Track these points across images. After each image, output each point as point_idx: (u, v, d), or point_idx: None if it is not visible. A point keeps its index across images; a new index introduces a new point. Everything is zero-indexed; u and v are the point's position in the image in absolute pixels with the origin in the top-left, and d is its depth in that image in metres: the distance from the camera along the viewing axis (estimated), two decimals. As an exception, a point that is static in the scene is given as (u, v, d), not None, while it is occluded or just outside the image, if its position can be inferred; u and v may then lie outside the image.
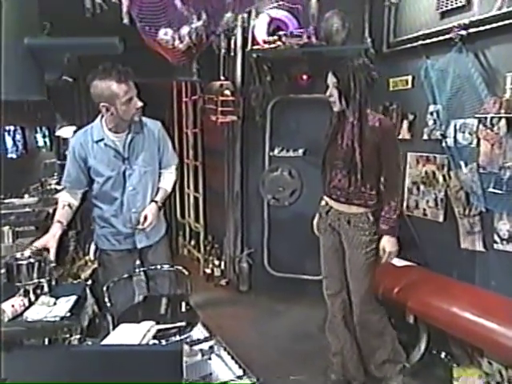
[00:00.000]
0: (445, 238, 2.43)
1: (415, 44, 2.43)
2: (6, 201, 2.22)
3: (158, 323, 1.74)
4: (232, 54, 2.86)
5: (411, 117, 2.58)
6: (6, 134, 2.66)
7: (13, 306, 1.51)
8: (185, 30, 1.94)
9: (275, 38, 2.81)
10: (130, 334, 1.26)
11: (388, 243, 1.90)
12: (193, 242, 4.17)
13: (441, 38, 2.27)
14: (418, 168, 2.57)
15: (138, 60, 3.17)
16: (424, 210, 2.55)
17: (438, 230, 2.47)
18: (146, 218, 1.98)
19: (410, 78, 2.56)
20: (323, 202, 2.11)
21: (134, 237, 2.07)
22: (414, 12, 2.50)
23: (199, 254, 3.96)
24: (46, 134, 3.24)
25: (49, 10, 2.40)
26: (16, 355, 0.93)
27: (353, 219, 1.96)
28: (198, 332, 2.73)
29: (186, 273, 2.12)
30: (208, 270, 3.72)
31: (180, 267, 2.16)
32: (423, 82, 2.42)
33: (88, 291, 2.37)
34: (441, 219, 2.44)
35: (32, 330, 1.13)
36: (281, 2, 2.86)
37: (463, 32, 2.12)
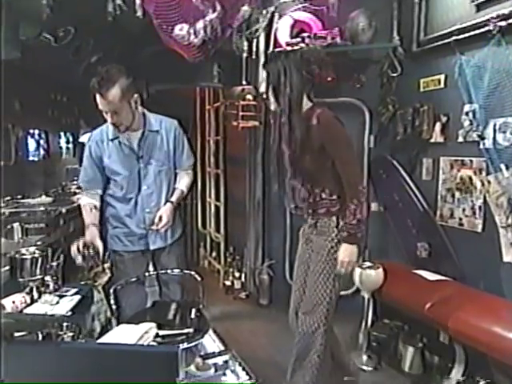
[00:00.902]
0: (484, 250, 2.20)
1: (448, 40, 2.29)
2: (22, 200, 2.24)
3: (164, 328, 1.67)
4: (254, 57, 2.80)
5: (444, 118, 2.41)
6: (30, 136, 2.71)
7: (13, 302, 1.47)
8: (200, 24, 1.91)
9: (298, 40, 2.74)
10: (127, 334, 1.20)
11: (344, 252, 1.68)
12: (214, 254, 4.08)
13: (477, 31, 2.12)
14: (452, 173, 2.38)
15: (162, 66, 3.22)
16: (460, 219, 2.34)
17: (477, 242, 2.25)
18: (160, 218, 1.94)
19: (442, 77, 2.41)
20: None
21: (147, 238, 2.02)
22: (446, 6, 2.37)
23: (219, 265, 3.86)
24: (70, 139, 3.30)
25: (72, 16, 2.48)
26: (5, 349, 0.88)
27: (319, 224, 1.77)
28: (214, 345, 2.60)
29: (199, 278, 2.04)
30: (228, 283, 3.62)
31: (193, 272, 2.07)
32: (457, 81, 2.26)
33: (96, 293, 2.31)
34: (479, 229, 2.23)
35: (21, 323, 1.07)
36: (305, 4, 2.82)
37: (502, 23, 1.96)
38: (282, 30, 2.85)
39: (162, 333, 1.65)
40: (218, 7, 1.87)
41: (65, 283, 1.72)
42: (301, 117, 1.67)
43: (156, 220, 1.94)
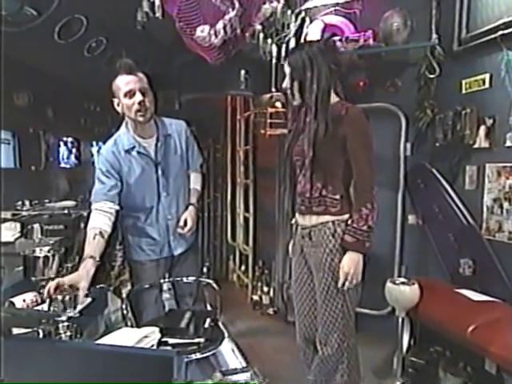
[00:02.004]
0: (539, 269, 1.96)
1: (493, 36, 2.11)
2: (48, 204, 2.31)
3: (175, 337, 1.61)
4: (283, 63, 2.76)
5: (489, 121, 2.21)
6: (62, 143, 2.82)
7: (24, 300, 1.48)
8: (220, 24, 1.90)
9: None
10: (126, 337, 1.15)
11: (349, 261, 1.54)
12: (243, 267, 4.01)
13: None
14: (499, 181, 2.16)
15: (191, 75, 3.27)
16: (509, 232, 2.11)
17: (530, 258, 2.01)
18: (185, 222, 1.92)
19: (487, 76, 2.23)
20: (293, 220, 1.81)
21: (170, 244, 1.99)
22: (491, 0, 2.20)
23: (248, 279, 3.77)
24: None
25: (103, 25, 2.58)
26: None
27: (314, 233, 1.63)
28: (236, 361, 2.50)
29: (216, 288, 1.97)
30: (256, 297, 3.52)
31: (210, 281, 2.01)
32: (504, 79, 2.08)
33: (118, 300, 2.29)
34: (532, 244, 1.99)
35: (17, 318, 1.05)
36: (336, 8, 2.75)
37: (554, 13, 1.78)
38: (312, 35, 2.79)
39: (172, 341, 1.59)
40: (237, 5, 1.85)
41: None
42: (327, 111, 1.58)
43: (181, 224, 1.92)
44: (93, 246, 1.66)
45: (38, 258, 1.50)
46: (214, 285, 1.99)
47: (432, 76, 2.51)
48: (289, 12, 2.20)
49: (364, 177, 1.59)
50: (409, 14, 2.48)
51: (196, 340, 1.60)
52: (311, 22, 2.81)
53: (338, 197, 1.60)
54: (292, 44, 2.91)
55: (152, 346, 1.27)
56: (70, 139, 2.92)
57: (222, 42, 1.95)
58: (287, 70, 1.65)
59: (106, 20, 2.39)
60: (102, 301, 1.73)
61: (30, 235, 1.82)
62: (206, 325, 1.75)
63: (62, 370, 0.88)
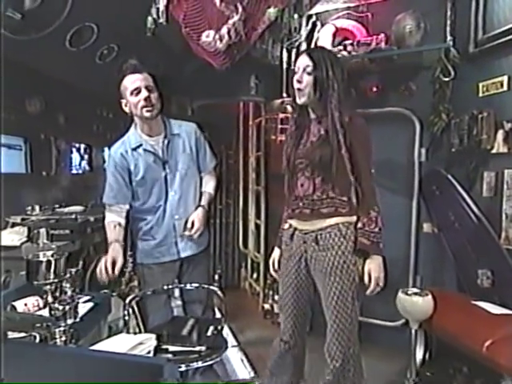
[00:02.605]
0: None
1: (511, 37, 2.05)
2: (58, 209, 2.35)
3: (176, 344, 1.60)
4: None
5: (508, 125, 2.13)
6: (74, 150, 2.87)
7: (26, 304, 1.49)
8: (224, 29, 1.90)
9: (340, 48, 2.65)
10: (120, 343, 1.15)
11: (375, 265, 1.54)
12: (254, 275, 3.97)
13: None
14: (519, 188, 2.07)
15: (202, 81, 3.30)
16: (530, 242, 2.02)
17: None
18: (193, 223, 1.93)
19: (504, 78, 2.15)
20: (286, 225, 1.78)
21: (177, 246, 2.00)
22: (508, 0, 2.13)
23: (259, 287, 3.73)
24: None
25: (114, 33, 2.63)
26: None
27: (321, 237, 1.61)
28: (245, 372, 2.46)
29: (221, 295, 1.96)
30: (267, 306, 3.47)
31: (215, 288, 2.00)
32: (523, 81, 2.00)
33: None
34: (555, 254, 1.89)
35: (11, 322, 1.06)
36: (348, 12, 2.73)
37: None
38: (324, 39, 2.78)
39: (172, 349, 1.59)
40: (240, 9, 1.85)
41: (84, 290, 1.73)
42: (340, 114, 1.61)
43: (188, 225, 1.93)
44: (116, 233, 1.87)
45: (41, 262, 1.51)
46: (219, 292, 1.98)
47: (447, 79, 2.44)
48: (295, 16, 2.18)
49: (369, 181, 1.65)
50: (422, 16, 2.43)
51: (197, 348, 1.59)
52: (322, 26, 2.80)
53: (345, 198, 1.62)
54: (303, 48, 2.90)
55: (149, 352, 1.26)
56: (82, 145, 2.98)
57: (226, 47, 1.95)
58: (305, 62, 1.62)
59: (117, 27, 2.44)
60: (105, 306, 1.75)
61: (36, 240, 1.86)
62: (209, 333, 1.74)
63: (54, 373, 0.89)
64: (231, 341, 3.00)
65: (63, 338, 1.17)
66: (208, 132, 4.05)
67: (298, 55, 2.66)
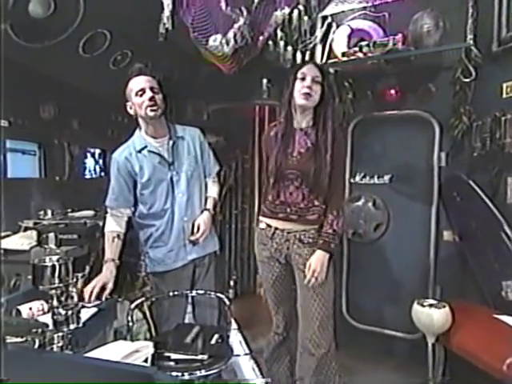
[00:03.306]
0: None
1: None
2: (71, 214, 2.41)
3: (178, 352, 1.60)
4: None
5: (533, 128, 2.04)
6: (89, 154, 2.95)
7: (30, 308, 1.53)
8: (230, 33, 1.92)
9: (355, 49, 2.61)
10: (115, 351, 1.16)
11: (317, 259, 1.78)
12: (270, 282, 3.95)
13: None
14: (545, 195, 1.98)
15: (216, 85, 3.32)
16: (557, 252, 1.92)
17: None
18: (198, 227, 1.96)
19: (529, 78, 2.07)
20: (262, 225, 1.93)
21: (185, 248, 2.02)
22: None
23: (274, 294, 3.71)
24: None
25: (127, 39, 2.69)
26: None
27: (305, 236, 1.84)
28: (256, 381, 2.46)
29: (227, 302, 1.95)
30: (281, 314, 3.44)
31: (222, 296, 2.00)
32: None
33: (138, 312, 2.32)
34: None
35: (7, 326, 1.09)
36: (364, 12, 2.69)
37: None
38: (338, 41, 2.75)
39: (174, 356, 1.59)
40: (245, 13, 1.86)
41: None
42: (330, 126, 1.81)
43: (195, 229, 1.97)
44: (112, 249, 1.91)
45: (46, 267, 1.55)
46: (226, 300, 1.97)
47: (468, 80, 2.37)
48: (306, 18, 2.16)
49: (339, 186, 1.88)
50: (441, 14, 2.36)
51: (199, 357, 1.59)
52: (338, 27, 2.77)
53: (324, 206, 1.84)
54: (318, 50, 2.88)
55: (145, 360, 1.27)
56: (97, 150, 3.05)
57: (233, 51, 1.96)
58: (314, 72, 1.78)
59: (130, 33, 2.49)
60: (110, 312, 1.77)
61: (45, 244, 1.91)
62: (213, 341, 1.73)
63: (42, 378, 0.91)
64: (244, 349, 2.99)
65: (60, 344, 1.19)
66: (223, 136, 4.10)
67: (302, 62, 2.73)
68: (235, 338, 3.14)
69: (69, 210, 2.49)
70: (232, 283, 4.05)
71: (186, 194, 1.97)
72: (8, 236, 2.03)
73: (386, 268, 2.70)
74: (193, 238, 1.97)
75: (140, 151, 1.94)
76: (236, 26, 1.88)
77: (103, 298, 1.77)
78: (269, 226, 1.91)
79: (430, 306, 1.98)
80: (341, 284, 2.90)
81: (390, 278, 2.68)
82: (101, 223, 2.23)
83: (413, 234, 2.62)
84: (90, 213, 2.46)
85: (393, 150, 2.68)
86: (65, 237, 1.99)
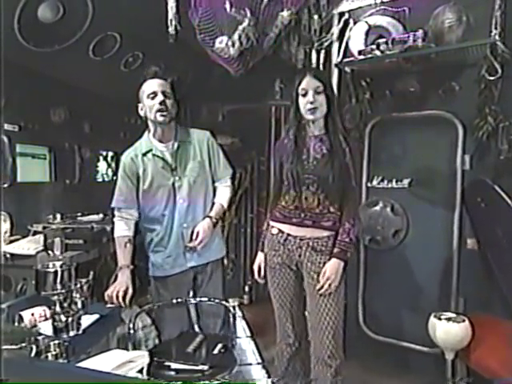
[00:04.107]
0: None
1: None
2: (80, 218, 2.47)
3: (178, 362, 1.61)
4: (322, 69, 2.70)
5: None
6: (102, 158, 3.01)
7: (32, 314, 1.57)
8: (235, 35, 1.92)
9: (372, 47, 2.55)
10: (109, 360, 1.18)
11: (330, 266, 1.81)
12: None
13: None
14: None
15: (230, 86, 3.33)
16: None
17: None
18: (197, 234, 1.96)
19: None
20: (274, 230, 1.94)
21: (185, 256, 2.04)
22: None
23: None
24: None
25: (138, 41, 2.73)
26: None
27: (318, 244, 1.86)
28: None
29: (233, 311, 1.95)
30: (297, 321, 3.41)
31: (227, 304, 2.00)
32: None
33: (146, 318, 2.36)
34: None
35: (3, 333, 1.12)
36: (383, 7, 2.63)
37: None
38: (355, 38, 2.69)
39: (174, 366, 1.60)
40: (248, 14, 1.85)
41: (92, 301, 1.79)
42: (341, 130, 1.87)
43: (194, 236, 1.97)
44: (125, 255, 1.96)
45: (49, 272, 1.59)
46: (231, 308, 1.97)
47: (493, 78, 2.27)
48: (316, 17, 2.12)
49: (354, 194, 1.90)
50: (464, 8, 2.28)
51: (199, 367, 1.59)
52: (355, 24, 2.72)
53: (339, 213, 1.87)
54: (335, 49, 2.84)
55: (141, 370, 1.28)
56: (110, 153, 3.11)
57: (239, 53, 1.96)
58: (314, 84, 1.82)
59: (141, 35, 2.53)
60: (113, 318, 1.80)
61: (51, 249, 1.97)
62: (216, 351, 1.73)
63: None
64: (256, 358, 2.98)
65: (56, 352, 1.21)
66: (239, 138, 4.10)
67: (327, 56, 2.69)
68: (248, 346, 3.14)
69: (78, 214, 2.56)
70: (247, 289, 4.05)
71: (187, 200, 1.99)
72: (17, 240, 2.11)
73: (404, 277, 2.63)
74: (190, 244, 1.98)
75: (145, 154, 1.99)
76: (240, 27, 1.88)
77: (127, 302, 1.86)
78: (281, 231, 1.93)
79: (448, 319, 1.91)
80: (357, 292, 2.85)
81: (410, 288, 2.61)
82: (108, 228, 2.28)
83: (434, 242, 2.54)
84: (98, 217, 2.52)
85: (412, 152, 2.60)
86: (71, 242, 2.04)
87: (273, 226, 1.95)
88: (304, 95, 1.81)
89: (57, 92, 2.57)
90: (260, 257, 2.02)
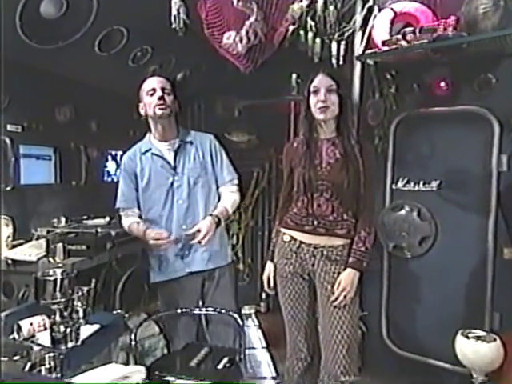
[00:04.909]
0: None
1: None
2: (85, 221, 2.53)
3: (181, 377, 1.63)
4: (342, 63, 2.66)
5: None
6: (110, 158, 3.07)
7: (31, 324, 1.62)
8: (243, 30, 1.93)
9: (398, 37, 2.49)
10: (103, 375, 1.21)
11: (344, 277, 1.84)
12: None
13: None
14: None
15: (247, 80, 3.34)
16: None
17: None
18: (199, 230, 1.98)
19: None
20: (286, 237, 1.96)
21: (183, 259, 2.08)
22: None
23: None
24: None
25: (146, 35, 2.76)
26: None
27: (332, 253, 1.88)
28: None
29: (240, 322, 1.96)
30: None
31: (235, 315, 2.01)
32: None
33: (154, 326, 2.39)
34: None
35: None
36: (411, -9, 2.57)
37: None
38: (379, 27, 2.64)
39: (175, 381, 1.62)
40: (255, 9, 1.85)
41: (94, 310, 1.84)
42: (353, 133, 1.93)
43: (194, 230, 1.97)
44: (141, 225, 2.03)
45: (49, 280, 1.63)
46: (239, 320, 1.98)
47: (533, 70, 2.19)
48: (331, 8, 2.09)
49: (370, 201, 1.93)
50: (502, -8, 2.20)
51: (199, 382, 1.60)
52: (380, 11, 2.67)
53: (354, 220, 1.90)
54: (357, 39, 2.79)
55: (138, 385, 1.30)
56: (119, 152, 3.16)
57: (247, 50, 1.97)
58: (327, 82, 1.82)
59: (148, 29, 2.56)
60: (115, 328, 1.83)
61: (53, 255, 2.03)
62: (221, 365, 1.75)
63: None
64: (271, 371, 2.98)
65: (51, 365, 1.25)
66: (256, 134, 4.09)
67: (347, 47, 2.66)
68: (263, 358, 3.15)
69: (84, 217, 2.62)
70: (264, 296, 4.05)
71: (186, 201, 2.04)
72: (20, 245, 2.19)
73: (433, 288, 2.58)
74: (193, 241, 1.98)
75: (144, 153, 2.07)
76: (247, 22, 1.88)
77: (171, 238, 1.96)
78: (293, 239, 1.95)
79: (477, 338, 1.85)
80: (380, 303, 2.82)
81: (438, 300, 2.55)
82: (113, 232, 2.33)
83: (465, 251, 2.48)
84: (103, 221, 2.57)
85: (442, 151, 2.55)
86: (74, 247, 2.10)
87: (284, 233, 1.97)
88: (315, 92, 1.82)
89: (62, 90, 2.64)
90: (270, 266, 2.03)
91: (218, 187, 2.13)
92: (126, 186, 2.09)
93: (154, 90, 2.01)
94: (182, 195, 2.04)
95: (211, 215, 2.03)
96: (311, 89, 1.83)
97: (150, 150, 2.07)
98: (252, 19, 1.87)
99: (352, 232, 1.89)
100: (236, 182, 2.18)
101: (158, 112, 1.99)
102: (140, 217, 2.10)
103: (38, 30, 2.08)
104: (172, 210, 2.05)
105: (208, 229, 1.96)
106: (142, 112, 2.09)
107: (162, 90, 2.01)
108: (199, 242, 1.96)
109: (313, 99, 1.82)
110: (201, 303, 2.20)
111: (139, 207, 2.09)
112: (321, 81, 1.82)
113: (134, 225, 2.06)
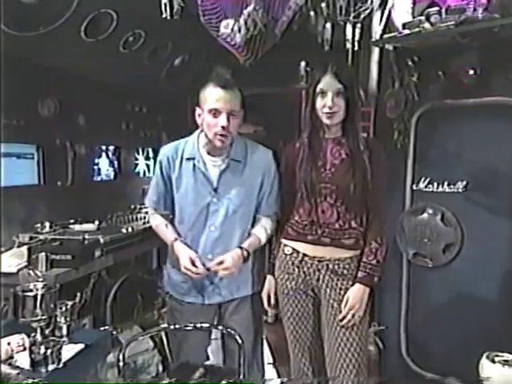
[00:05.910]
0: None
1: None
2: (71, 226, 2.54)
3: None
4: (357, 48, 2.64)
5: None
6: (104, 154, 3.07)
7: (9, 343, 1.64)
8: (242, 19, 1.90)
9: (421, 18, 2.44)
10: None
11: (353, 293, 1.83)
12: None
13: None
14: None
15: (253, 68, 3.31)
16: None
17: None
18: (222, 262, 1.90)
19: None
20: (288, 250, 1.93)
21: (203, 290, 2.02)
22: None
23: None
24: (151, 155, 3.62)
25: (138, 18, 2.74)
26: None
27: (339, 266, 1.87)
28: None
29: (240, 341, 1.94)
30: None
31: (233, 332, 1.99)
32: None
33: (149, 341, 2.39)
34: None
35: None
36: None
37: None
38: (400, 8, 2.60)
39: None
40: None
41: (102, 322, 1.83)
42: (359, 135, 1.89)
43: (217, 261, 1.90)
44: (170, 231, 2.00)
45: (29, 296, 1.64)
46: (238, 338, 1.97)
47: None
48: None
49: (380, 209, 1.91)
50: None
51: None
52: (400, -11, 2.62)
53: (362, 229, 1.89)
54: (375, 20, 2.75)
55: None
56: (111, 148, 3.17)
57: (246, 40, 1.94)
58: (335, 86, 1.79)
59: (141, 11, 2.53)
60: (102, 346, 1.83)
61: (34, 266, 2.02)
62: (217, 389, 1.73)
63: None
64: (277, 390, 3.00)
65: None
66: (263, 126, 4.07)
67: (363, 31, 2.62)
68: (269, 375, 3.16)
69: (71, 222, 2.62)
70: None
71: (219, 229, 1.94)
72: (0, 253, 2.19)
73: (457, 302, 2.56)
74: (213, 268, 1.91)
75: (187, 160, 1.95)
76: (246, 11, 1.84)
77: (200, 267, 1.88)
78: (296, 251, 1.93)
79: (505, 362, 1.82)
80: (399, 317, 2.81)
81: (464, 315, 2.53)
82: (102, 239, 2.33)
83: (495, 259, 2.45)
84: (92, 226, 2.57)
85: (470, 148, 2.52)
86: (57, 257, 2.09)
87: (286, 245, 1.94)
88: (322, 95, 1.80)
89: (45, 81, 2.62)
90: (270, 281, 2.00)
91: (257, 213, 2.02)
92: (158, 185, 2.01)
93: (218, 111, 1.81)
94: (216, 222, 1.94)
95: (241, 248, 1.93)
96: (317, 90, 1.80)
97: (194, 159, 1.93)
98: (250, 8, 1.83)
99: (361, 242, 1.88)
100: (278, 212, 2.04)
101: (218, 144, 1.86)
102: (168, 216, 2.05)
103: (16, 16, 2.06)
104: (202, 235, 1.96)
105: (232, 263, 1.87)
106: (199, 121, 1.92)
107: (230, 114, 1.82)
108: (216, 273, 1.92)
109: (319, 102, 1.80)
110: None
111: (172, 208, 2.03)
112: (329, 84, 1.78)
113: (163, 226, 2.01)
